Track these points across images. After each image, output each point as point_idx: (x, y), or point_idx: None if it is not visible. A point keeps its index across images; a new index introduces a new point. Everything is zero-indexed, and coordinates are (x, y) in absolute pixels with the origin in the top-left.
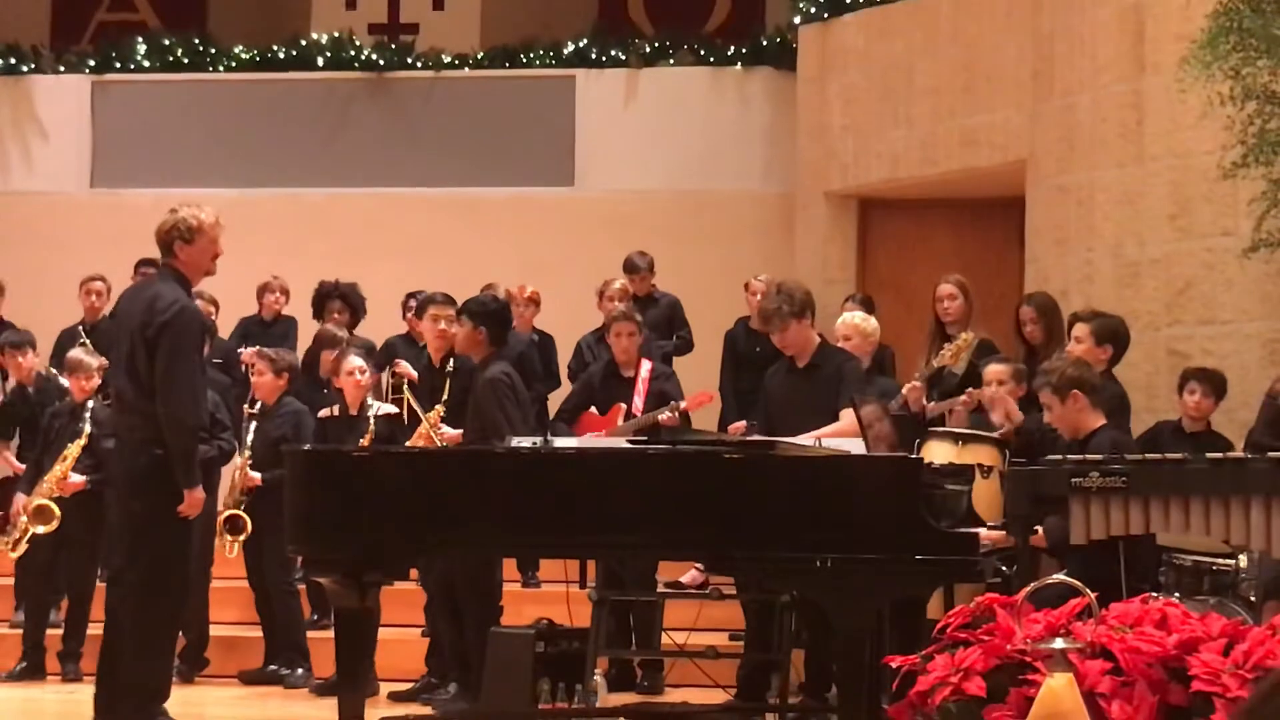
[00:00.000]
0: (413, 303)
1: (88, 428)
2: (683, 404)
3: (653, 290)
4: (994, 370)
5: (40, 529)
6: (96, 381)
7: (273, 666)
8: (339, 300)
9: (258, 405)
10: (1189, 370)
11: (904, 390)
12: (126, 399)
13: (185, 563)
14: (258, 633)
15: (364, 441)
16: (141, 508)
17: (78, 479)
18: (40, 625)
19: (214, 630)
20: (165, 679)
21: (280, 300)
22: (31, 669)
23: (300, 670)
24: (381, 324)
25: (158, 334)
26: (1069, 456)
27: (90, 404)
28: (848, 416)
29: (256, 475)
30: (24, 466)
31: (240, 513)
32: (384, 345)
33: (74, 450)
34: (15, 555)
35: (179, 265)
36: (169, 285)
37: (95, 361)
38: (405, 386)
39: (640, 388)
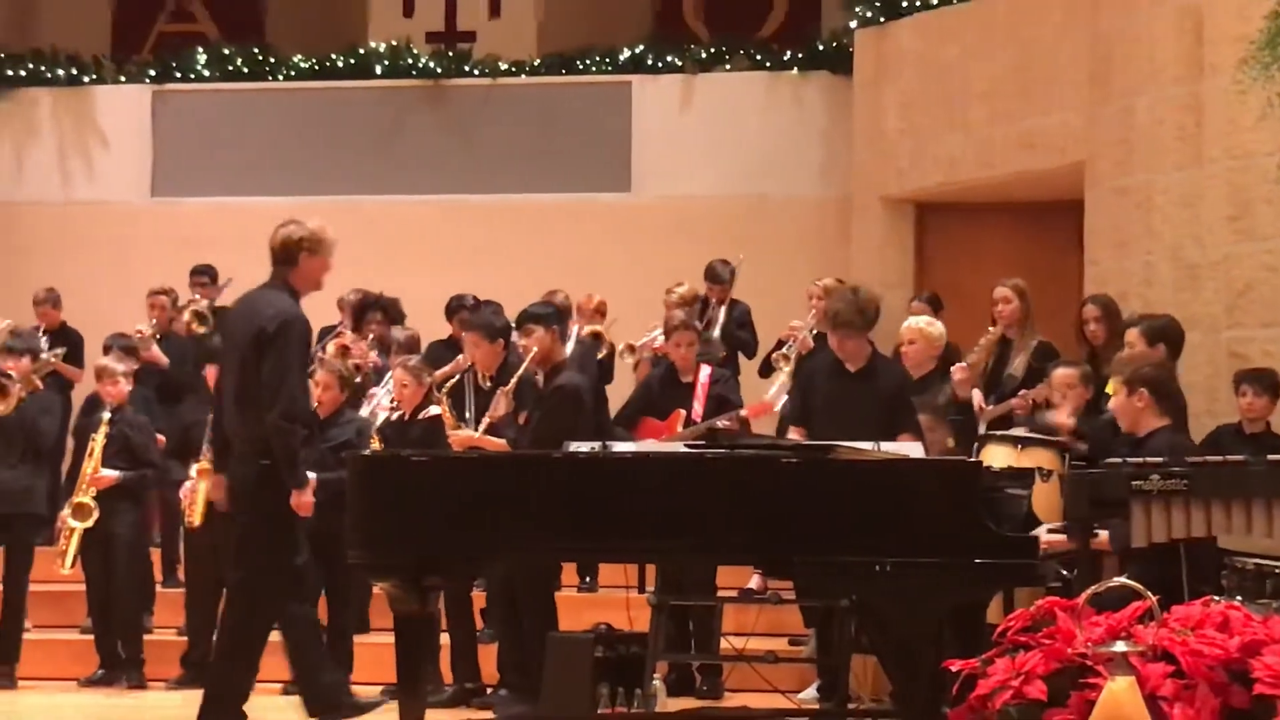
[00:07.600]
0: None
1: (107, 416)
2: (744, 411)
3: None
4: (1062, 374)
5: (84, 524)
6: (123, 386)
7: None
8: (380, 312)
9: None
10: (1241, 372)
11: (953, 371)
12: (238, 406)
13: (282, 574)
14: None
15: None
16: (246, 519)
17: (110, 473)
18: (109, 631)
19: None
20: (249, 685)
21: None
22: (109, 677)
23: None
24: (439, 333)
25: (264, 342)
26: (1128, 460)
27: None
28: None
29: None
30: None
31: None
32: (426, 349)
33: (97, 445)
34: (67, 570)
35: (293, 277)
36: (276, 294)
37: (121, 367)
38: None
39: (699, 393)
